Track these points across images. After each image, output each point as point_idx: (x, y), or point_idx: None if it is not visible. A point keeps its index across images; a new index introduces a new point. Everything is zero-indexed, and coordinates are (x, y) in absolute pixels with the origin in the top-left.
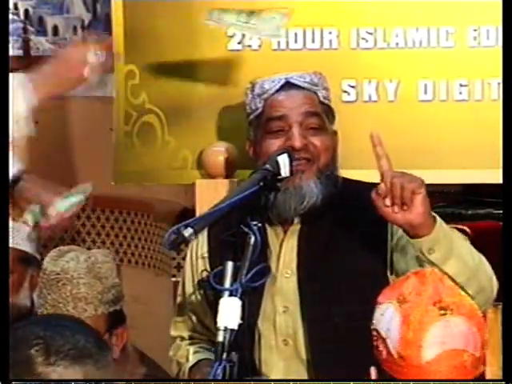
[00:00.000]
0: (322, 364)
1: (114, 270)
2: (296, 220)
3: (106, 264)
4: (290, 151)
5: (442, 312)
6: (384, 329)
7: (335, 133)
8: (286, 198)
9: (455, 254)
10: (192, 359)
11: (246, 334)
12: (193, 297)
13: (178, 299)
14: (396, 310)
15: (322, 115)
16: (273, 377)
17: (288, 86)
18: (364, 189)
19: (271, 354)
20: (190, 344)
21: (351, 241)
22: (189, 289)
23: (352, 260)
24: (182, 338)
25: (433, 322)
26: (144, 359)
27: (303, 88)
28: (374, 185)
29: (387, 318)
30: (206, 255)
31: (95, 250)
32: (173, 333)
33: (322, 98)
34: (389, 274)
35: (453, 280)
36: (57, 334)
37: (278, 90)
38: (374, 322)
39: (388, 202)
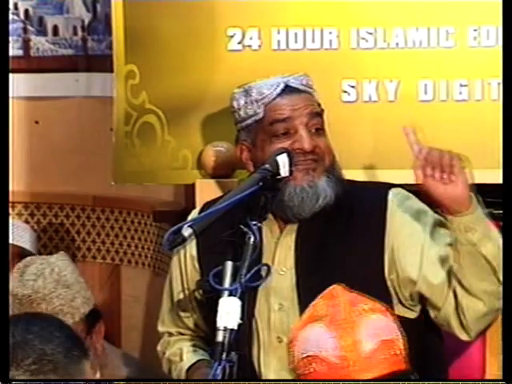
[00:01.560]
0: None
1: (75, 270)
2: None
3: (68, 268)
4: (290, 151)
5: (363, 312)
6: (313, 348)
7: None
8: (303, 196)
9: (492, 235)
10: (187, 359)
11: (242, 333)
12: (181, 295)
13: (165, 297)
14: (318, 327)
15: (323, 115)
16: (267, 374)
17: (288, 89)
18: (364, 189)
19: (265, 352)
20: (180, 340)
21: (349, 241)
22: (177, 287)
23: (349, 260)
24: (170, 334)
25: (360, 317)
26: (126, 359)
27: (303, 91)
28: (374, 184)
29: (313, 338)
30: (194, 254)
31: (50, 256)
32: (160, 328)
33: (317, 99)
34: (387, 274)
35: (489, 262)
36: (24, 343)
37: (278, 94)
38: (298, 353)
39: (430, 171)
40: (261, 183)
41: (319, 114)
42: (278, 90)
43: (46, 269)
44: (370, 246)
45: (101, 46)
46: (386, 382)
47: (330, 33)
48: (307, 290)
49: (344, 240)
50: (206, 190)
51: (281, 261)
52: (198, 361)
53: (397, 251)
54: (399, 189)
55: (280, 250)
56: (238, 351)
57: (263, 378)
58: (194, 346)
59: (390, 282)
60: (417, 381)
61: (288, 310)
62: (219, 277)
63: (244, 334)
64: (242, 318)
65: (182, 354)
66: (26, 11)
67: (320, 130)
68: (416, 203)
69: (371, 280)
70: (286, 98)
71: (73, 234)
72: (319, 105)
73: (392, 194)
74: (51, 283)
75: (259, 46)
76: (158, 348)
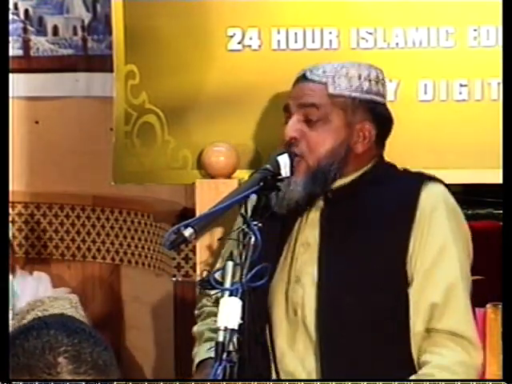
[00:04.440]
0: (325, 340)
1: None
2: (320, 197)
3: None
4: (291, 151)
5: None
6: None
7: (355, 126)
8: (270, 196)
9: None
10: (201, 350)
11: (258, 308)
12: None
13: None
14: None
15: (325, 107)
16: (278, 343)
17: (303, 78)
18: (398, 177)
19: (281, 323)
20: (208, 315)
21: (373, 229)
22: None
23: (371, 250)
24: (209, 298)
25: None
26: None
27: (311, 80)
28: (410, 173)
29: None
30: None
31: (55, 301)
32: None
33: (331, 90)
34: (408, 268)
35: None
36: (82, 340)
37: (295, 82)
38: None
39: None
40: (261, 183)
41: (315, 105)
42: (297, 77)
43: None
44: (393, 241)
45: (101, 45)
46: (386, 381)
47: (330, 33)
48: (326, 267)
49: (368, 227)
50: (206, 190)
51: (306, 235)
52: (206, 359)
53: (415, 266)
54: (434, 186)
55: (306, 225)
56: (254, 328)
57: (275, 349)
58: (213, 331)
59: (410, 280)
60: (417, 381)
61: (304, 283)
62: (220, 277)
63: (261, 309)
64: (242, 318)
65: (201, 338)
66: (26, 11)
67: (315, 122)
68: (448, 219)
69: (389, 274)
70: (296, 87)
71: (73, 234)
72: (333, 95)
73: (426, 193)
74: None
75: (259, 46)
76: (196, 311)
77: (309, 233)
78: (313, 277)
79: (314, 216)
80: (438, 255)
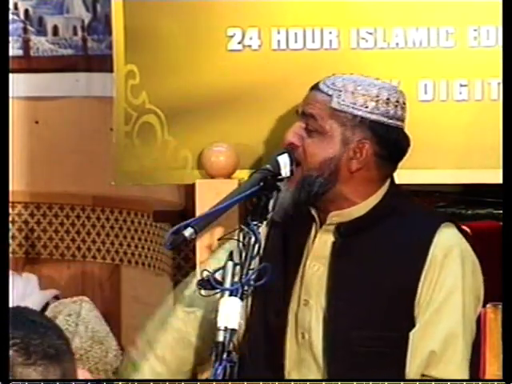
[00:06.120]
0: (330, 367)
1: (101, 319)
2: (334, 219)
3: (98, 322)
4: (291, 151)
5: None
6: None
7: (352, 143)
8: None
9: None
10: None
11: (277, 328)
12: None
13: None
14: None
15: (324, 119)
16: (285, 364)
17: (315, 87)
18: (413, 214)
19: (291, 344)
20: None
21: (383, 269)
22: None
23: (381, 285)
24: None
25: None
26: None
27: (320, 90)
28: (425, 213)
29: None
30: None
31: (74, 303)
32: None
33: (334, 103)
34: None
35: None
36: (31, 331)
37: (310, 89)
38: None
39: None
40: (261, 183)
41: (313, 115)
42: (313, 85)
43: (79, 325)
44: (402, 284)
45: (101, 45)
46: (387, 381)
47: (330, 33)
48: (334, 298)
49: (378, 266)
50: (207, 190)
51: (315, 256)
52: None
53: (420, 311)
54: (447, 230)
55: (317, 245)
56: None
57: (282, 369)
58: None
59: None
60: (417, 381)
61: (311, 306)
62: (220, 277)
63: (278, 330)
64: (276, 314)
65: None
66: (26, 11)
67: (311, 132)
68: (461, 264)
69: (395, 315)
70: (308, 94)
71: (73, 234)
72: (335, 109)
73: (439, 239)
74: (87, 342)
75: (259, 46)
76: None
77: (319, 262)
78: (321, 304)
79: (324, 247)
80: (443, 302)
